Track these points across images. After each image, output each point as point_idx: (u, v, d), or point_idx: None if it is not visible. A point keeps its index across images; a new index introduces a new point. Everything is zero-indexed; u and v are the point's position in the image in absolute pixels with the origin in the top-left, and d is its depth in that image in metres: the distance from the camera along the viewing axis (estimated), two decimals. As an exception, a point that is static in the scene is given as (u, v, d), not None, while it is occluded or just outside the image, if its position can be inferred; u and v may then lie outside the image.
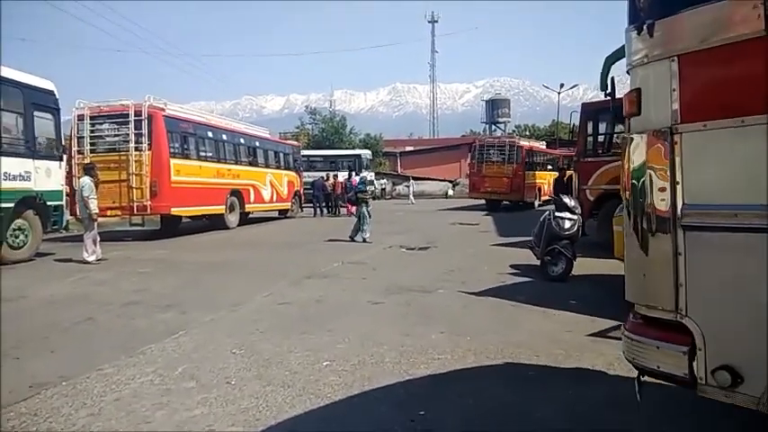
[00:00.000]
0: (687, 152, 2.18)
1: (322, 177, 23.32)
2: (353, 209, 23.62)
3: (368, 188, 13.33)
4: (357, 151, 31.01)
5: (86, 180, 9.75)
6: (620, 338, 4.99)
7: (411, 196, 32.77)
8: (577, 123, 11.82)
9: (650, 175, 2.32)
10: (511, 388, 3.77)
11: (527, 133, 72.27)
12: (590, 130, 11.39)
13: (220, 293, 7.22)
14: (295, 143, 25.02)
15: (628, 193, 2.52)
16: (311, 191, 22.74)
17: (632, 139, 2.47)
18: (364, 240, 12.67)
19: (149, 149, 13.11)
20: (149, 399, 3.68)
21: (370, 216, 13.08)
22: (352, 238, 12.83)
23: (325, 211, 23.01)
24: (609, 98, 6.40)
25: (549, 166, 28.52)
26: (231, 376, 4.07)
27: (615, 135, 12.41)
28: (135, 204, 13.01)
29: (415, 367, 4.18)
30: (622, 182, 2.62)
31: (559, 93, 43.64)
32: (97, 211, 9.89)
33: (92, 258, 9.66)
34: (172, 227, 14.92)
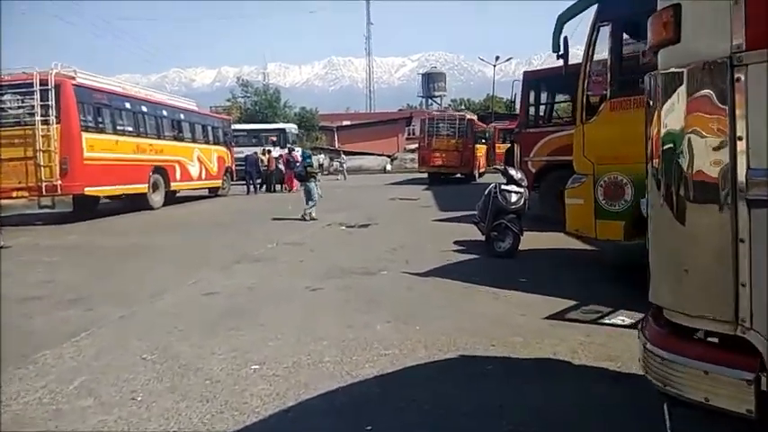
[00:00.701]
0: (755, 94, 1.51)
1: (255, 152, 22.13)
2: (297, 185, 22.78)
3: (314, 163, 12.53)
4: (281, 125, 29.20)
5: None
6: (579, 321, 4.71)
7: (345, 172, 31.83)
8: (519, 94, 11.51)
9: (696, 129, 1.66)
10: (469, 388, 3.29)
11: (462, 107, 72.84)
12: (532, 99, 11.11)
13: (137, 284, 6.39)
14: (225, 116, 23.66)
15: (656, 154, 1.89)
16: (244, 167, 21.56)
17: (666, 77, 1.80)
18: (311, 217, 11.98)
19: (57, 123, 11.74)
20: (31, 426, 2.95)
21: (319, 192, 12.41)
22: (303, 217, 12.06)
23: (260, 188, 21.94)
24: (561, 60, 6.06)
25: (483, 140, 28.71)
26: (138, 390, 3.38)
27: (557, 104, 12.29)
28: (43, 184, 11.66)
29: (360, 367, 3.64)
30: (647, 140, 2.02)
31: (495, 65, 43.90)
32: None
33: (-12, 247, 8.49)
34: (88, 208, 13.63)
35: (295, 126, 30.72)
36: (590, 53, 5.58)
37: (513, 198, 7.40)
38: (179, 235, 10.41)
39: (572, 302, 4.97)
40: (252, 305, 5.28)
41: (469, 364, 3.66)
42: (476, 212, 8.36)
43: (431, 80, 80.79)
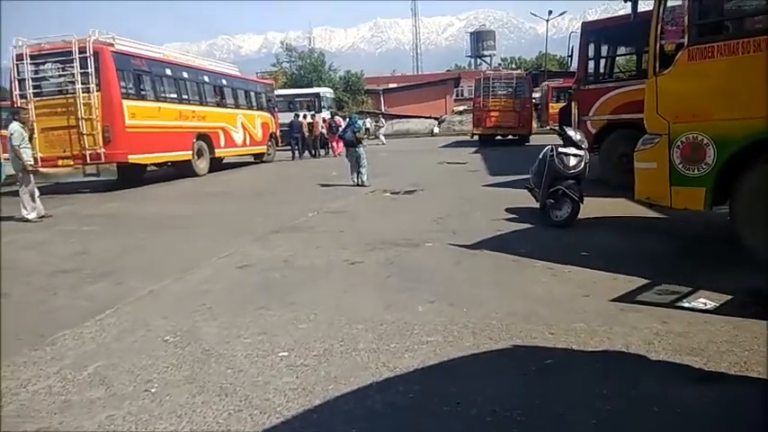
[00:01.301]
0: None
1: (297, 116, 21.74)
2: (341, 149, 22.45)
3: (363, 128, 11.99)
4: (316, 89, 28.32)
5: (15, 126, 8.44)
6: (653, 304, 4.09)
7: (381, 136, 29.99)
8: (576, 47, 10.53)
9: None
10: (525, 389, 2.80)
11: (513, 66, 70.13)
12: (591, 53, 10.12)
13: (171, 256, 6.17)
14: (268, 81, 23.29)
15: None
16: (288, 132, 21.29)
17: None
18: (362, 183, 11.57)
19: (98, 90, 11.67)
20: (33, 423, 2.68)
21: (365, 157, 11.87)
22: (355, 182, 11.67)
23: (305, 153, 21.67)
24: (629, 1, 5.26)
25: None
26: (154, 380, 3.07)
27: (620, 57, 11.24)
28: (87, 152, 11.71)
29: (398, 357, 3.21)
30: None
31: (547, 20, 41.60)
32: (32, 161, 8.65)
33: (32, 216, 8.51)
34: (135, 176, 13.71)
35: (330, 90, 29.81)
36: (663, -7, 4.78)
37: (572, 162, 6.69)
38: (220, 203, 10.21)
39: (643, 281, 4.35)
40: (285, 281, 4.92)
41: (525, 358, 3.15)
42: (529, 177, 7.71)
43: (479, 39, 78.08)
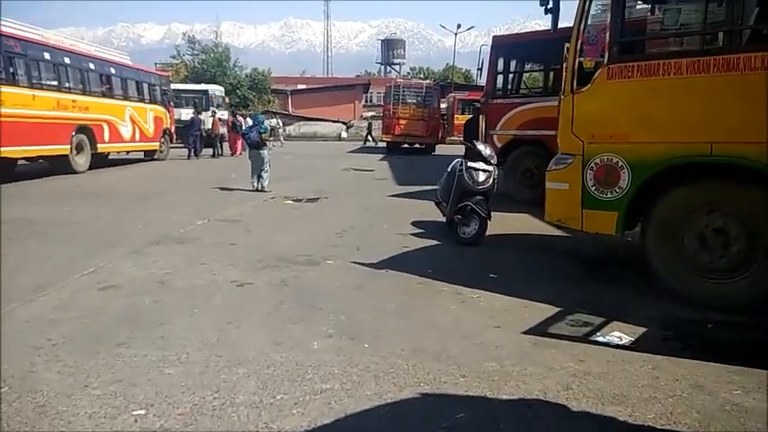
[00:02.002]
0: None
1: (197, 113, 20.38)
2: (240, 150, 21.40)
3: (268, 129, 11.27)
4: (204, 86, 26.82)
5: None
6: (566, 337, 3.81)
7: (280, 137, 28.51)
8: (486, 60, 10.50)
9: None
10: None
11: (421, 76, 71.58)
12: (500, 67, 10.12)
13: (23, 273, 5.13)
14: (163, 73, 21.59)
15: None
16: (188, 129, 19.84)
17: None
18: (263, 188, 10.85)
19: (-39, 73, 10.02)
20: None
21: (268, 161, 11.14)
22: (255, 187, 10.93)
23: (202, 152, 20.34)
24: (549, 14, 5.06)
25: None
26: (-52, 459, 2.28)
27: (528, 73, 11.38)
28: (-56, 144, 9.96)
29: (284, 415, 2.63)
30: None
31: (456, 34, 42.68)
32: None
33: None
34: (3, 171, 11.90)
35: (220, 88, 28.32)
36: (585, 8, 4.60)
37: (481, 177, 6.46)
38: (96, 206, 9.01)
39: (554, 309, 4.11)
40: (157, 307, 4.16)
41: (434, 410, 2.71)
42: (437, 189, 7.43)
43: (390, 47, 78.99)
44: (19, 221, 7.49)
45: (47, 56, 12.70)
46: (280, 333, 3.64)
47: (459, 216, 6.45)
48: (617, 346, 3.47)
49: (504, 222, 7.47)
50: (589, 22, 4.91)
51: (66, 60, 13.40)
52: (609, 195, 4.42)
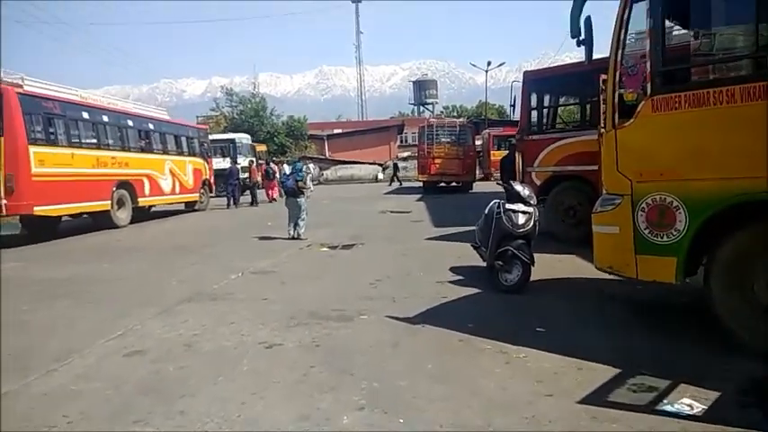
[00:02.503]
0: None
1: (234, 162, 20.81)
2: (275, 194, 21.70)
3: (306, 176, 11.24)
4: (231, 135, 27.74)
5: None
6: (629, 407, 3.24)
7: (309, 182, 28.97)
8: (518, 96, 10.24)
9: None
10: None
11: (455, 114, 71.88)
12: (534, 103, 9.84)
13: (50, 336, 5.04)
14: (202, 126, 22.19)
15: None
16: (225, 178, 20.26)
17: None
18: (299, 236, 10.74)
19: (1, 135, 10.42)
20: None
21: (305, 208, 11.02)
22: (291, 235, 10.84)
23: (242, 200, 20.67)
24: (582, 46, 4.77)
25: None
26: None
27: (563, 107, 11.06)
28: (-13, 204, 10.30)
29: None
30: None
31: (487, 71, 42.82)
32: None
33: None
34: (48, 227, 12.23)
35: (247, 136, 29.13)
36: (621, 37, 4.29)
37: (521, 220, 6.10)
38: (134, 261, 9.04)
39: (610, 369, 3.67)
40: (181, 374, 3.94)
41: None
42: (475, 231, 7.10)
43: (422, 88, 79.77)
44: (58, 281, 7.53)
45: (85, 115, 13.14)
46: (307, 405, 3.34)
47: (500, 262, 6.07)
48: (688, 417, 3.01)
49: (548, 265, 7.05)
50: (626, 51, 4.60)
51: (105, 119, 13.84)
52: (665, 239, 3.99)
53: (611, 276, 6.16)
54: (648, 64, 4.02)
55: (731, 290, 3.87)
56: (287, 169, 13.51)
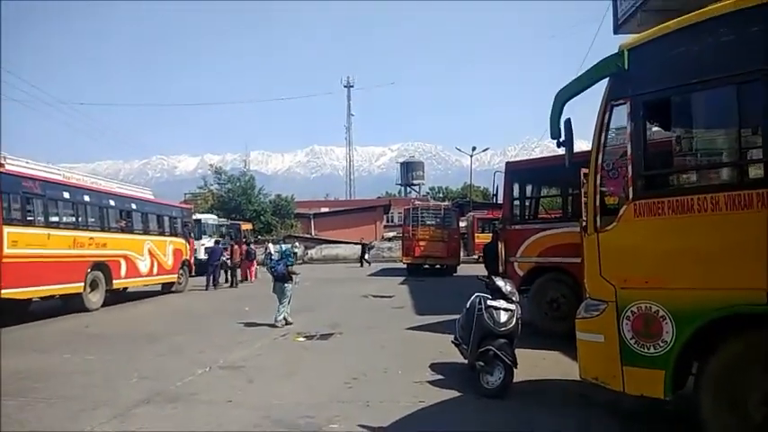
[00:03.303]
0: None
1: (217, 242, 20.62)
2: (253, 275, 21.39)
3: (294, 261, 11.17)
4: (198, 215, 27.63)
5: None
6: None
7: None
8: (501, 186, 10.27)
9: None
10: None
11: (440, 195, 73.09)
12: (516, 193, 9.86)
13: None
14: (186, 206, 22.09)
15: None
16: (207, 259, 19.93)
17: None
18: (276, 322, 10.40)
19: (-25, 215, 10.15)
20: None
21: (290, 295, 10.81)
22: (283, 321, 10.51)
23: (222, 281, 20.23)
24: (562, 147, 4.73)
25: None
26: None
27: (545, 198, 11.11)
28: (-47, 286, 9.84)
29: None
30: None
31: (472, 155, 43.96)
32: None
33: None
34: (17, 309, 11.65)
35: (214, 217, 29.83)
36: (602, 140, 4.27)
37: (503, 317, 5.85)
38: (97, 351, 8.51)
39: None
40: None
41: None
42: (456, 326, 6.80)
43: (409, 169, 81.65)
44: (12, 374, 6.98)
45: (66, 195, 12.93)
46: None
47: (482, 362, 5.76)
48: None
49: (531, 361, 6.74)
50: (607, 147, 4.55)
51: (86, 198, 13.63)
52: (652, 350, 3.75)
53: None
54: (630, 167, 3.96)
55: (722, 405, 3.61)
56: (272, 249, 13.26)
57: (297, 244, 31.04)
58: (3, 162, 11.12)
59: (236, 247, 21.27)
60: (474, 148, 44.50)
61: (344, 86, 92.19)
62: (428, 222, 23.66)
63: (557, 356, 7.42)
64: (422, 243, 23.28)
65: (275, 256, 11.33)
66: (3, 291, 10.53)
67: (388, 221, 54.23)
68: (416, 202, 28.31)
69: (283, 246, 12.03)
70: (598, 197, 4.21)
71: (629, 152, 4.00)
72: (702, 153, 4.36)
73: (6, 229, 10.68)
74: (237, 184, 43.70)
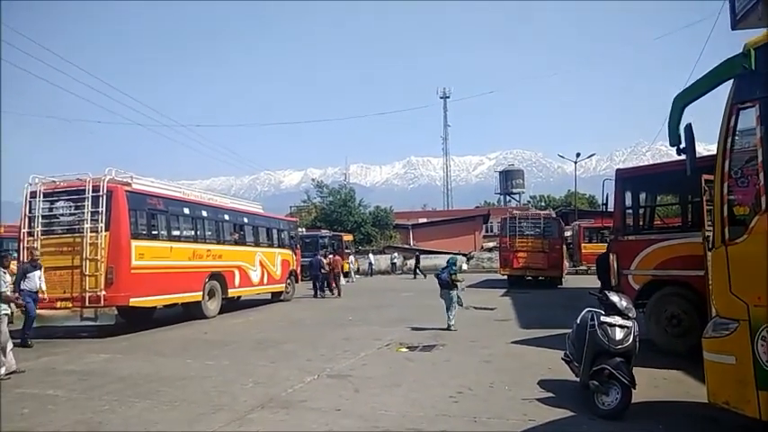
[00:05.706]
0: None
1: (318, 254, 21.39)
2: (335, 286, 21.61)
3: (458, 271, 12.06)
4: (315, 232, 30.13)
5: (-4, 272, 7.83)
6: None
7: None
8: (611, 194, 9.71)
9: None
10: None
11: (542, 204, 70.69)
12: (628, 201, 9.28)
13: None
14: (292, 219, 23.17)
15: None
16: (310, 270, 20.87)
17: None
18: (449, 327, 11.35)
19: (107, 230, 11.28)
20: None
21: (460, 300, 11.90)
22: (448, 328, 11.39)
23: (327, 291, 20.94)
24: (683, 154, 4.40)
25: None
26: None
27: (661, 207, 10.39)
28: (87, 295, 11.01)
29: None
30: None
31: (576, 162, 42.04)
32: (8, 311, 7.89)
33: (1, 371, 7.58)
34: (143, 316, 12.87)
35: (328, 232, 32.20)
36: (728, 146, 3.91)
37: (619, 335, 5.51)
38: (215, 356, 9.11)
39: None
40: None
41: None
42: (567, 341, 6.49)
43: (508, 177, 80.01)
44: (140, 377, 7.67)
45: (186, 210, 14.06)
46: None
47: (596, 382, 5.46)
48: None
49: (650, 381, 6.32)
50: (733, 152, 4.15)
51: (204, 213, 14.74)
52: (794, 374, 3.37)
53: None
54: (761, 175, 3.59)
55: None
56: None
57: (463, 259, 31.63)
58: (130, 182, 12.32)
59: (337, 257, 21.91)
60: (578, 154, 42.57)
61: (440, 98, 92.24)
62: (527, 233, 22.91)
63: (678, 376, 6.88)
64: (520, 254, 22.59)
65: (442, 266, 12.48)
66: (131, 300, 11.59)
67: (487, 231, 53.34)
68: (514, 212, 27.59)
69: (453, 258, 12.69)
70: (725, 207, 3.85)
71: (759, 158, 3.64)
72: None
73: (134, 243, 11.77)
74: (338, 196, 45.12)
